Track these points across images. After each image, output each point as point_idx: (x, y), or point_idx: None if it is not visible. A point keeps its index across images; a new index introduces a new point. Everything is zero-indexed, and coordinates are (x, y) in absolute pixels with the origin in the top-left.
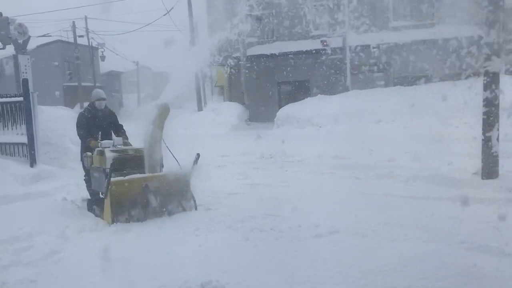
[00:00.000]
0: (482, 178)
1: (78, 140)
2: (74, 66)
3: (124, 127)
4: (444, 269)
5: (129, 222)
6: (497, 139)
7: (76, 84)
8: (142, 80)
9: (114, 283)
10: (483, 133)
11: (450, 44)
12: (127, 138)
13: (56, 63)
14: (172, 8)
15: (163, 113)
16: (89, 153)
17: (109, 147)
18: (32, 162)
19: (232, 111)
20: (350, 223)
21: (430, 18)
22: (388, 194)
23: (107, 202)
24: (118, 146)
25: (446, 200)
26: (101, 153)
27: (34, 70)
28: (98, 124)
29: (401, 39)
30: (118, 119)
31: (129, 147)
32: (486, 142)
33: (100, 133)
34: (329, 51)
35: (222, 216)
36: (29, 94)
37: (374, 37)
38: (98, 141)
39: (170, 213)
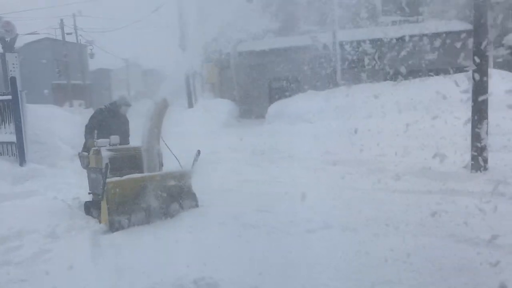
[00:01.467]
0: (472, 172)
1: (68, 139)
2: (63, 64)
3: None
4: (435, 262)
5: (128, 227)
6: (486, 133)
7: (65, 82)
8: (132, 78)
9: (106, 281)
10: (472, 127)
11: (439, 39)
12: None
13: (45, 61)
14: (160, 6)
15: (162, 108)
16: (85, 153)
17: (105, 146)
18: (22, 161)
19: (223, 108)
20: (342, 218)
21: (419, 13)
22: (379, 188)
23: (103, 205)
24: (115, 145)
25: (436, 193)
26: (97, 152)
27: (22, 68)
28: (110, 125)
29: (390, 34)
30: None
31: (127, 145)
32: (475, 136)
33: (96, 132)
34: (319, 47)
35: (215, 212)
36: (18, 92)
37: (364, 33)
38: (94, 140)
39: (172, 214)
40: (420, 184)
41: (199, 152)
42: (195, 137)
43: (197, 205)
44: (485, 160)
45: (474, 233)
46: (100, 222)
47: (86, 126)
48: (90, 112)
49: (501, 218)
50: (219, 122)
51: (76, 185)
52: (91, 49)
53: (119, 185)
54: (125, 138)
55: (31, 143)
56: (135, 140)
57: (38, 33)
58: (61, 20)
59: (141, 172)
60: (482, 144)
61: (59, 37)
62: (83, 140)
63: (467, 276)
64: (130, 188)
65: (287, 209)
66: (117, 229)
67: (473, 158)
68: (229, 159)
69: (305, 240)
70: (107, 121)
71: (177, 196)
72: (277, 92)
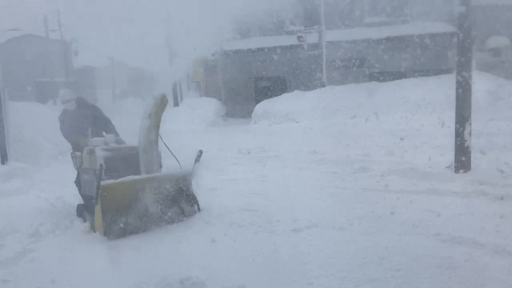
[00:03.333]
0: (455, 172)
1: (51, 137)
2: (47, 61)
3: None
4: (420, 261)
5: (124, 236)
6: (469, 134)
7: (49, 79)
8: (117, 76)
9: (91, 281)
10: (456, 128)
11: (424, 40)
12: (118, 135)
13: (28, 58)
14: (145, 4)
15: (161, 105)
16: (78, 153)
17: (99, 145)
18: (4, 159)
19: (209, 106)
20: (328, 217)
21: (404, 14)
22: (364, 188)
23: (97, 210)
24: (111, 144)
25: (420, 193)
26: (91, 152)
27: (4, 65)
28: (80, 125)
29: (376, 35)
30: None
31: (123, 145)
32: (459, 136)
33: (90, 129)
34: (305, 47)
35: (201, 212)
36: None
37: (350, 33)
38: (88, 139)
39: (171, 221)
40: (404, 184)
41: (201, 152)
42: (181, 136)
43: (199, 210)
44: (468, 161)
45: (458, 233)
46: (93, 227)
47: (66, 137)
48: None
49: (484, 217)
50: (205, 121)
51: (59, 183)
52: (75, 47)
53: (114, 189)
54: (104, 126)
55: (14, 141)
56: (131, 138)
57: (21, 29)
58: (45, 16)
59: (138, 173)
60: (466, 144)
61: (43, 34)
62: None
63: (452, 275)
64: (126, 192)
65: (273, 208)
66: (112, 237)
67: (457, 158)
68: (215, 158)
69: (291, 239)
70: (75, 124)
71: (178, 200)
72: (263, 92)
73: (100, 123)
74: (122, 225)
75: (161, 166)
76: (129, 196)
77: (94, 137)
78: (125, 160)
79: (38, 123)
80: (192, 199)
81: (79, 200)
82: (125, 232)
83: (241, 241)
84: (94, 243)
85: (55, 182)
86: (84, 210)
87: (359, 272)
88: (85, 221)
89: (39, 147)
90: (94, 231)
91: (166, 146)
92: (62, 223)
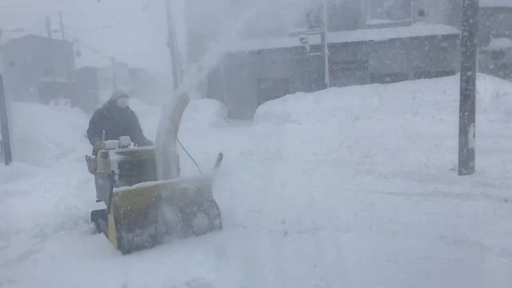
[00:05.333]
0: (459, 174)
1: (54, 137)
2: (49, 62)
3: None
4: (426, 263)
5: (141, 247)
6: (473, 136)
7: (51, 80)
8: (118, 76)
9: (95, 282)
10: (460, 130)
11: (427, 42)
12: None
13: (30, 59)
14: (148, 5)
15: (181, 105)
16: (92, 156)
17: (114, 148)
18: (7, 160)
19: (211, 107)
20: (332, 219)
21: (407, 16)
22: (368, 190)
23: (110, 219)
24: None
25: (425, 195)
26: (105, 155)
27: (6, 66)
28: (115, 125)
29: (378, 37)
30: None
31: (139, 147)
32: (463, 138)
33: (104, 131)
34: (307, 48)
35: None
36: (3, 90)
37: (352, 35)
38: (102, 141)
39: (194, 232)
40: (408, 186)
41: (221, 155)
42: (182, 137)
43: (220, 220)
44: (472, 163)
45: (464, 235)
46: (99, 229)
47: (88, 131)
48: (76, 110)
49: (489, 220)
50: (207, 122)
51: (63, 184)
52: (77, 47)
53: (128, 196)
54: (137, 135)
55: (17, 141)
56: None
57: (23, 30)
58: (47, 17)
59: (156, 178)
60: (469, 146)
61: (45, 34)
62: (70, 139)
63: (458, 277)
64: (141, 199)
65: (277, 209)
66: (127, 250)
67: (460, 160)
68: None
69: (297, 241)
70: (109, 121)
71: (198, 208)
72: (265, 93)
73: (133, 131)
74: (137, 238)
75: (179, 170)
76: (144, 204)
77: (109, 139)
78: (141, 164)
79: (41, 123)
80: (213, 208)
81: (81, 200)
82: (141, 245)
83: (246, 242)
84: (98, 244)
85: (57, 182)
86: (98, 217)
87: (365, 275)
88: (98, 228)
89: (41, 147)
90: (99, 232)
91: (184, 149)
92: (66, 224)
